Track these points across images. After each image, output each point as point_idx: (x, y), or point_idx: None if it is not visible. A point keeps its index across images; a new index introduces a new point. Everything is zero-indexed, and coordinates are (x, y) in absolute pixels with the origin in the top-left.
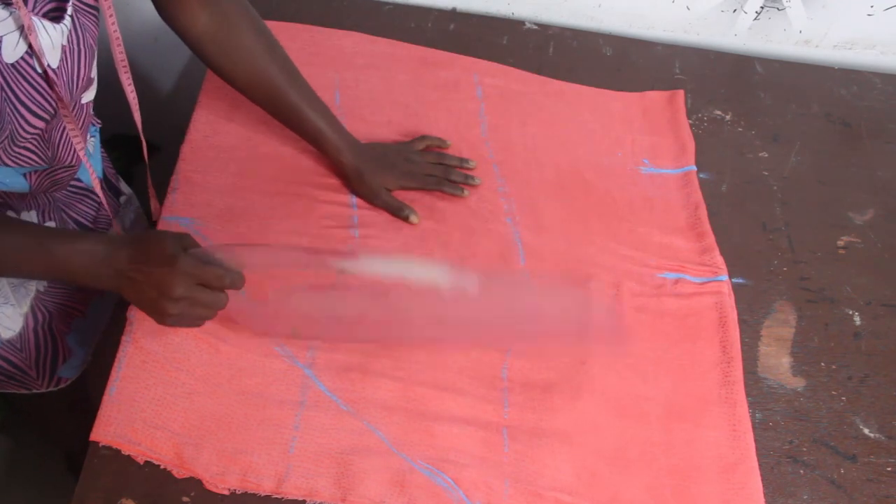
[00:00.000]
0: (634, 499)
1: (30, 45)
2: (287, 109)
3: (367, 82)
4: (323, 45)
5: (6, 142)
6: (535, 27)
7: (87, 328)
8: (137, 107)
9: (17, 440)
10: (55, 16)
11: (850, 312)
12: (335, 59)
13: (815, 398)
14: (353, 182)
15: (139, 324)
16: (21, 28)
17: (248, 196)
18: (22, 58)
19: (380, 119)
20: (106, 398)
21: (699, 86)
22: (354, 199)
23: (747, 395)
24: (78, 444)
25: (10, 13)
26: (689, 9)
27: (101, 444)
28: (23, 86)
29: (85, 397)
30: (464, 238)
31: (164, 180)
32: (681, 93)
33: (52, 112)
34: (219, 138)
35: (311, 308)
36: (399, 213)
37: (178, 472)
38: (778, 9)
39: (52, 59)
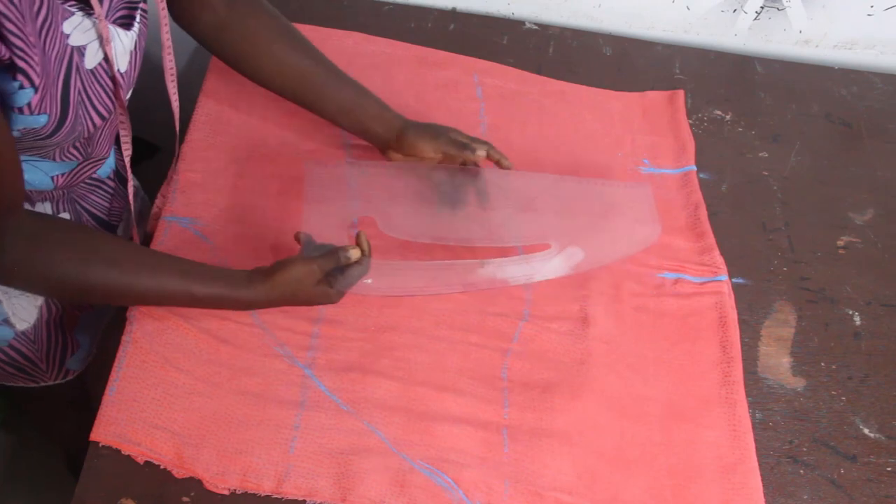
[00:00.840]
0: (634, 499)
1: (105, 53)
2: (315, 91)
3: (367, 82)
4: (323, 45)
5: (68, 140)
6: (535, 27)
7: (93, 321)
8: (178, 114)
9: (17, 440)
10: (125, 23)
11: (850, 312)
12: (335, 59)
13: (815, 398)
14: (407, 145)
15: (139, 324)
16: (100, 37)
17: (248, 196)
18: (99, 63)
19: None
20: (106, 398)
21: (699, 86)
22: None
23: (747, 395)
24: (78, 443)
25: (94, 24)
26: (689, 9)
27: (101, 444)
28: (96, 89)
29: (85, 396)
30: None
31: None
32: (681, 93)
33: (111, 113)
34: (219, 138)
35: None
36: (465, 150)
37: (178, 472)
38: (778, 9)
39: (122, 64)
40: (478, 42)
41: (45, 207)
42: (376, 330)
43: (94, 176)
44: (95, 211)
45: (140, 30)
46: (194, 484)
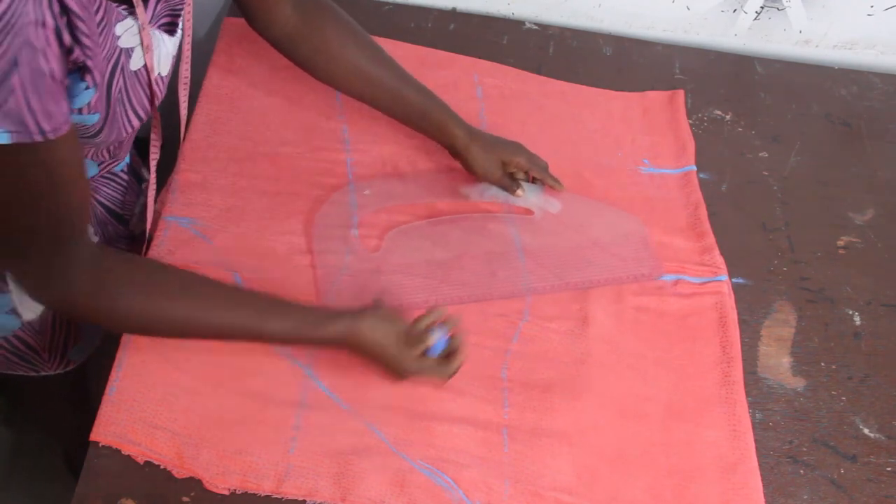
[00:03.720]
0: (634, 499)
1: (145, 61)
2: (388, 95)
3: None
4: None
5: (107, 142)
6: (535, 27)
7: None
8: (185, 122)
9: (17, 439)
10: (169, 29)
11: (850, 312)
12: None
13: (815, 398)
14: (466, 157)
15: None
16: (142, 44)
17: (248, 196)
18: (143, 66)
19: (379, 119)
20: (106, 398)
21: (699, 86)
22: (354, 198)
23: (747, 395)
24: (78, 443)
25: (140, 28)
26: (689, 9)
27: (101, 444)
28: (136, 91)
29: (86, 397)
30: (463, 237)
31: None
32: (681, 93)
33: (148, 115)
34: (219, 138)
35: (420, 247)
36: (511, 186)
37: (178, 472)
38: (778, 9)
39: (164, 68)
40: (478, 42)
41: None
42: None
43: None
44: (109, 204)
45: (181, 35)
46: (194, 484)
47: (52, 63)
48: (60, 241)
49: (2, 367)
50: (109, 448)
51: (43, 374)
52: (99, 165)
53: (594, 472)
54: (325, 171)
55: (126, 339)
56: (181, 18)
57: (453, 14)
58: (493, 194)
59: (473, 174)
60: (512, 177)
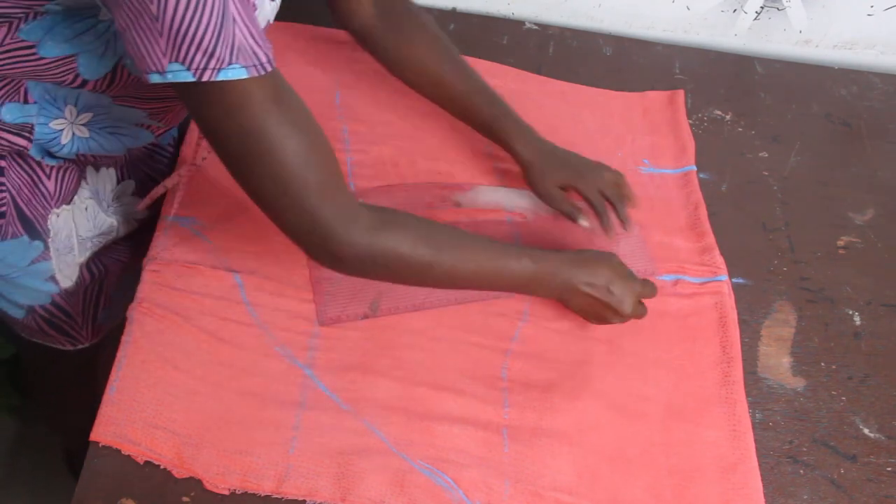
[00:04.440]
0: (635, 498)
1: None
2: (458, 100)
3: (367, 82)
4: (324, 45)
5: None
6: (535, 27)
7: (131, 283)
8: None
9: (20, 434)
10: None
11: (850, 312)
12: (336, 59)
13: (815, 398)
14: (526, 172)
15: (139, 324)
16: None
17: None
18: None
19: (379, 119)
20: (106, 398)
21: (699, 86)
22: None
23: (747, 395)
24: (79, 442)
25: None
26: (689, 9)
27: (101, 444)
28: None
29: (93, 396)
30: None
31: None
32: (681, 93)
33: None
34: None
35: None
36: (570, 213)
37: (178, 472)
38: (778, 9)
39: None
40: (478, 42)
41: (111, 172)
42: (376, 329)
43: (154, 142)
44: (154, 175)
45: (278, 4)
46: (194, 484)
47: None
48: (333, 187)
49: (39, 337)
50: (109, 448)
51: (78, 347)
52: (155, 135)
53: (594, 472)
54: None
55: (126, 339)
56: None
57: (453, 14)
58: (486, 200)
59: (530, 188)
60: (574, 202)
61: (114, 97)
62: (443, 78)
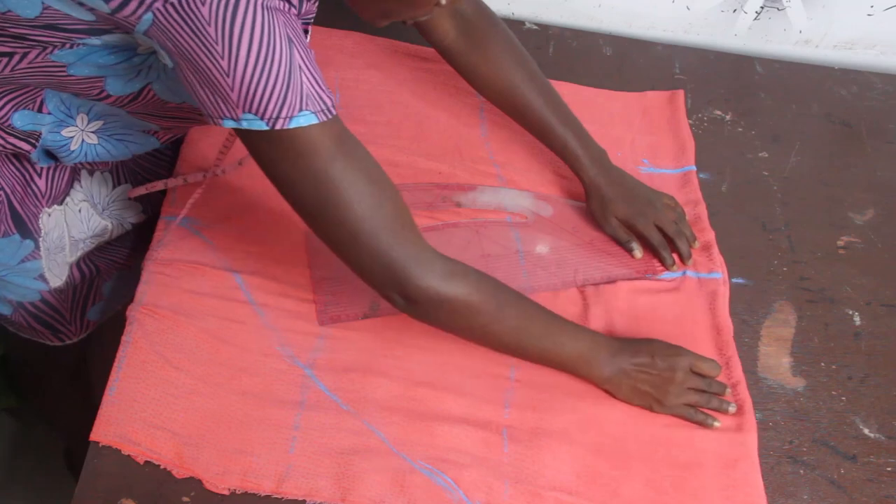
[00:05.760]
0: (634, 496)
1: None
2: (534, 120)
3: (367, 82)
4: (323, 45)
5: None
6: (535, 27)
7: (126, 281)
8: None
9: (20, 435)
10: (305, 28)
11: (850, 312)
12: (335, 59)
13: (815, 398)
14: (588, 198)
15: (139, 324)
16: None
17: (248, 196)
18: None
19: (379, 119)
20: (106, 398)
21: (699, 86)
22: None
23: None
24: (79, 442)
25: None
26: (689, 9)
27: (101, 445)
28: None
29: (88, 395)
30: (461, 241)
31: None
32: (681, 93)
33: None
34: (218, 138)
35: None
36: (625, 243)
37: (178, 472)
38: (778, 9)
39: None
40: None
41: (105, 176)
42: (377, 329)
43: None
44: (150, 177)
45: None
46: (194, 484)
47: (302, 36)
48: (407, 229)
49: (26, 333)
50: (109, 448)
51: (64, 342)
52: (161, 142)
53: (594, 472)
54: None
55: (126, 339)
56: (310, 26)
57: None
58: (486, 201)
59: (591, 215)
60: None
61: (130, 111)
62: (522, 100)
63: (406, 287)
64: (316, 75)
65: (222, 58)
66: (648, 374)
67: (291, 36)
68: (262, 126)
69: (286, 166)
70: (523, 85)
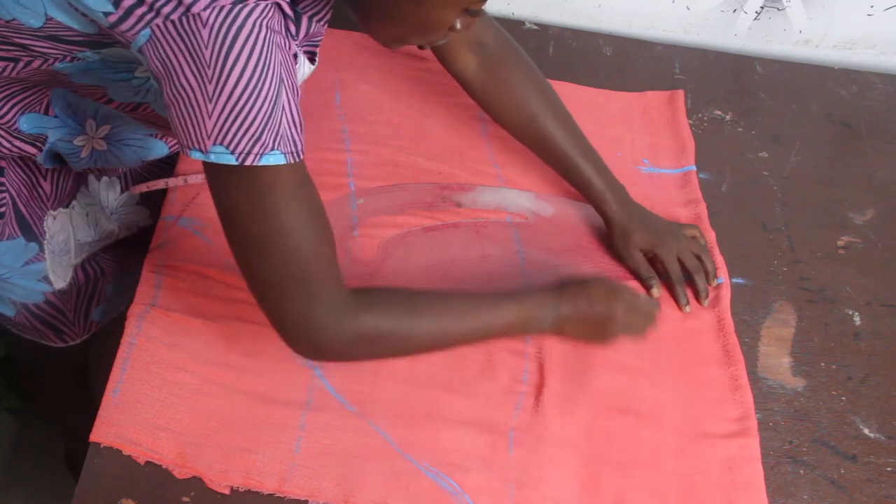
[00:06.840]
0: (639, 500)
1: None
2: (555, 155)
3: (367, 82)
4: (323, 45)
5: None
6: (535, 27)
7: (130, 282)
8: None
9: (20, 435)
10: (310, 57)
11: (850, 312)
12: (336, 59)
13: (815, 398)
14: (610, 231)
15: (142, 325)
16: None
17: None
18: None
19: (379, 119)
20: (108, 399)
21: (699, 86)
22: (354, 200)
23: None
24: (79, 441)
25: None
26: (689, 9)
27: (101, 445)
28: None
29: (90, 395)
30: (460, 241)
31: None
32: (681, 93)
33: None
34: None
35: (418, 252)
36: (645, 279)
37: (179, 473)
38: (778, 9)
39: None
40: None
41: (113, 181)
42: None
43: None
44: (149, 176)
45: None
46: (195, 484)
47: (295, 73)
48: (331, 278)
49: (29, 334)
50: (110, 448)
51: (68, 343)
52: (170, 147)
53: (599, 476)
54: (325, 171)
55: (129, 341)
56: (318, 49)
57: None
58: (486, 201)
59: (614, 249)
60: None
61: (134, 118)
62: (544, 136)
63: (314, 337)
64: (296, 118)
65: (210, 82)
66: (587, 322)
67: (284, 76)
68: (230, 160)
69: (240, 198)
70: (544, 119)
